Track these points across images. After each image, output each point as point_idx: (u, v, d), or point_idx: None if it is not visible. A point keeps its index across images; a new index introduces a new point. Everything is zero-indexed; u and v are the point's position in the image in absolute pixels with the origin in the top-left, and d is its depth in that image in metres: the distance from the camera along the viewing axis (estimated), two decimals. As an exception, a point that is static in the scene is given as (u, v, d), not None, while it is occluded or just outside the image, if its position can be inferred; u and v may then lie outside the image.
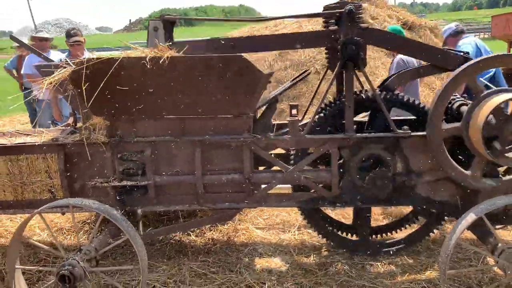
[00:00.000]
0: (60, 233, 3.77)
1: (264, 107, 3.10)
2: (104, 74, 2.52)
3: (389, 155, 2.80)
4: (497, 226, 2.98)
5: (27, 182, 2.94)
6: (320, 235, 3.34)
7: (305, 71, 3.66)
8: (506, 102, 2.50)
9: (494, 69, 4.64)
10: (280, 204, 3.05)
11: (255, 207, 3.45)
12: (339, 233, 3.41)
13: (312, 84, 7.08)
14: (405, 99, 2.95)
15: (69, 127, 3.17)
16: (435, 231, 3.27)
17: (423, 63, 3.08)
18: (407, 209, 3.69)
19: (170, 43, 2.79)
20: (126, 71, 2.57)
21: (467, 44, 4.74)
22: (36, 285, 2.99)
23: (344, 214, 3.98)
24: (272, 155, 3.00)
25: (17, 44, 6.22)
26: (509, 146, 2.51)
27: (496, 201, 2.47)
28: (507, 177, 2.74)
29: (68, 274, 2.40)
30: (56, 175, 2.91)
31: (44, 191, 2.96)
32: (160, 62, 2.50)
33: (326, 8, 2.94)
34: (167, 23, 2.91)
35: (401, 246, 3.30)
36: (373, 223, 3.49)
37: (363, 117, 3.26)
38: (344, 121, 2.85)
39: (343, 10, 2.70)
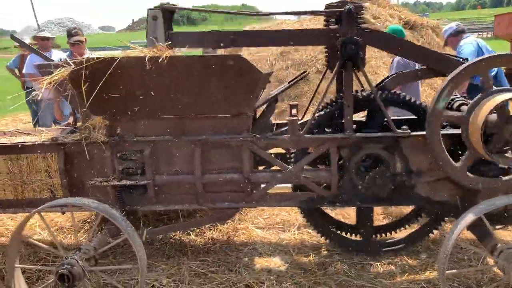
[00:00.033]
0: (60, 232, 3.78)
1: (264, 106, 3.10)
2: (103, 73, 2.53)
3: (388, 154, 2.80)
4: (497, 226, 2.97)
5: (27, 181, 2.95)
6: (323, 236, 3.33)
7: (303, 72, 3.66)
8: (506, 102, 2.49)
9: (496, 69, 4.62)
10: (280, 204, 3.06)
11: (254, 206, 3.46)
12: (343, 234, 3.40)
13: (313, 83, 7.08)
14: (402, 98, 2.95)
15: (69, 127, 3.19)
16: (434, 231, 3.26)
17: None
18: (407, 209, 3.68)
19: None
20: (125, 70, 2.57)
21: (468, 44, 4.73)
22: (36, 284, 2.99)
23: (344, 214, 3.97)
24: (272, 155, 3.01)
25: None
26: (507, 147, 2.50)
27: (496, 201, 2.46)
28: (507, 177, 2.73)
29: (67, 273, 2.40)
30: (56, 174, 2.92)
31: (44, 190, 2.97)
32: (159, 61, 2.51)
33: (328, 6, 2.93)
34: (166, 12, 2.90)
35: (401, 246, 3.30)
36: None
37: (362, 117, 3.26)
38: (336, 121, 2.85)
39: (342, 9, 2.70)
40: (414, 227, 3.42)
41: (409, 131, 2.75)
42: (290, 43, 3.02)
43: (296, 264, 3.24)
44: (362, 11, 2.83)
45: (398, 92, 3.03)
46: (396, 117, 3.21)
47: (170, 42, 2.79)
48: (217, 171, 2.87)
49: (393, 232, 3.44)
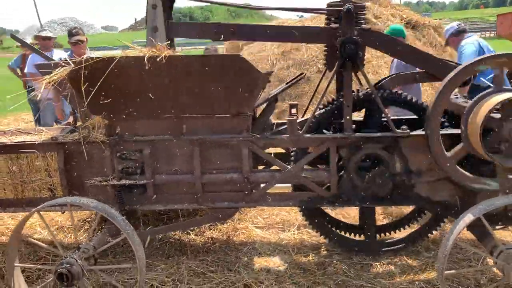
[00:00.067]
0: (60, 231, 3.79)
1: (263, 106, 3.10)
2: (102, 73, 2.53)
3: (388, 154, 2.79)
4: (497, 227, 2.96)
5: (27, 180, 2.96)
6: (323, 237, 3.33)
7: (301, 74, 3.65)
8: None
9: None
10: (279, 204, 3.05)
11: (254, 206, 3.46)
12: (344, 234, 3.40)
13: (314, 83, 7.06)
14: (403, 98, 2.94)
15: (69, 126, 3.19)
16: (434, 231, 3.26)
17: None
18: (407, 209, 3.68)
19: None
20: (124, 70, 2.58)
21: (469, 43, 4.71)
22: (36, 283, 3.00)
23: (344, 214, 3.97)
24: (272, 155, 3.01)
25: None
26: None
27: (495, 202, 2.46)
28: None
29: (66, 272, 2.41)
30: (55, 174, 2.93)
31: (44, 190, 2.98)
32: (158, 61, 2.51)
33: (329, 5, 2.92)
34: (166, 1, 2.89)
35: (400, 246, 3.29)
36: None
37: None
38: (335, 121, 2.85)
39: (342, 8, 2.69)
40: (414, 227, 3.42)
41: (408, 131, 2.74)
42: (290, 38, 3.00)
43: (296, 264, 3.23)
44: (363, 11, 2.82)
45: (399, 91, 3.02)
46: (396, 117, 3.21)
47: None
48: (217, 171, 2.87)
49: (392, 232, 3.44)
